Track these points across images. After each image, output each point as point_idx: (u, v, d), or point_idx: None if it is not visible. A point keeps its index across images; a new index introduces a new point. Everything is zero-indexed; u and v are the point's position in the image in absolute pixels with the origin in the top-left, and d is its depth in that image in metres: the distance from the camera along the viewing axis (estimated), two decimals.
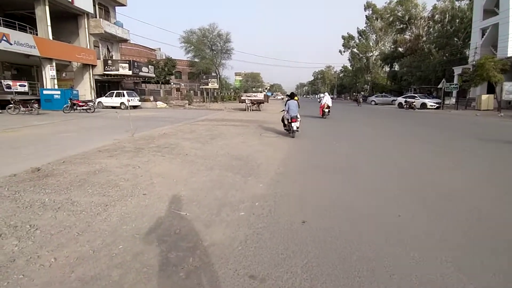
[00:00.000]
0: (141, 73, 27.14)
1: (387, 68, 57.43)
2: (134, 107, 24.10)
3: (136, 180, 4.82)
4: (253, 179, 5.12)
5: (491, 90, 26.97)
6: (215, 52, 57.10)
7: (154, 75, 30.78)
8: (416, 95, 29.12)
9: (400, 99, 29.89)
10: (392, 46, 53.23)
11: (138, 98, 24.43)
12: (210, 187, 4.64)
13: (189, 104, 34.79)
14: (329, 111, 17.71)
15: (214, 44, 56.61)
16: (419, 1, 45.76)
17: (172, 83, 43.67)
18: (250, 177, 5.23)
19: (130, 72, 25.62)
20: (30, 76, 25.71)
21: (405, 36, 48.50)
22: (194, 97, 48.45)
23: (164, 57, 50.51)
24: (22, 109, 17.15)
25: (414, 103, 26.48)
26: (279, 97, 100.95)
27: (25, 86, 20.35)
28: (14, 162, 5.84)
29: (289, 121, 9.92)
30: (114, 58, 28.44)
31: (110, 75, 26.22)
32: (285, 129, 10.68)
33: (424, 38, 44.51)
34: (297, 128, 9.92)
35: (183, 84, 51.07)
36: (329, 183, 4.97)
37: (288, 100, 10.36)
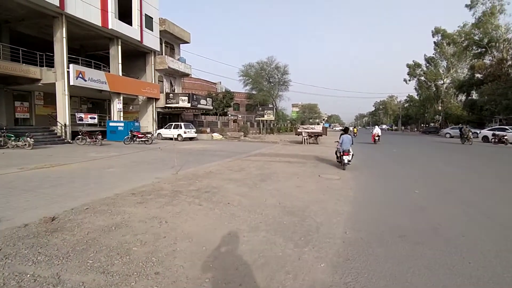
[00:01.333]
0: (199, 105, 27.83)
1: (462, 97, 51.43)
2: (191, 138, 24.40)
3: (156, 245, 3.67)
4: (311, 252, 3.61)
5: None
6: (272, 84, 57.75)
7: (211, 107, 31.45)
8: (507, 127, 24.55)
9: (486, 132, 25.51)
10: (468, 73, 47.73)
11: (195, 130, 24.74)
12: (249, 264, 3.26)
13: (244, 136, 34.63)
14: (379, 139, 23.22)
15: (272, 76, 57.42)
16: (501, 22, 40.77)
17: (229, 115, 44.61)
18: (307, 248, 3.73)
19: (189, 105, 26.38)
20: (103, 109, 28.14)
21: (484, 61, 43.16)
22: (250, 128, 48.86)
23: (224, 90, 52.51)
24: (88, 140, 18.16)
25: (506, 137, 22.18)
26: (337, 128, 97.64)
27: (95, 118, 21.92)
28: (42, 204, 5.23)
29: (341, 154, 10.26)
30: (176, 91, 29.82)
31: (171, 107, 27.33)
32: (337, 161, 11.04)
33: (510, 62, 38.95)
34: (349, 161, 10.23)
35: (240, 116, 51.99)
36: (427, 265, 3.23)
37: (342, 134, 10.71)
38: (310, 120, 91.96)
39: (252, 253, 3.54)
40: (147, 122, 27.50)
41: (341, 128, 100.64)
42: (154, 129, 26.73)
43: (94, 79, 21.09)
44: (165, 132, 24.70)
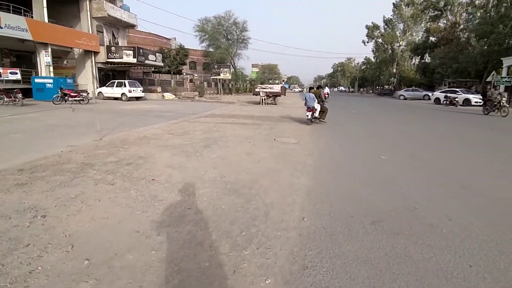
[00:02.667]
0: (147, 61, 24.75)
1: (416, 60, 52.90)
2: (137, 98, 21.83)
3: (4, 262, 2.26)
4: (254, 257, 2.46)
5: None
6: (230, 41, 54.36)
7: (162, 64, 28.39)
8: (458, 89, 25.30)
9: (438, 94, 26.15)
10: (424, 36, 48.62)
11: (141, 88, 22.08)
12: None
13: (200, 96, 32.37)
14: (328, 96, 27.90)
15: (230, 33, 53.86)
16: None
17: (184, 74, 41.37)
18: (249, 249, 2.58)
19: (134, 60, 23.29)
20: (31, 64, 23.94)
21: (439, 24, 43.93)
22: (207, 88, 46.15)
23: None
24: (5, 99, 15.12)
25: (456, 99, 22.83)
26: (296, 90, 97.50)
27: (17, 74, 18.40)
28: None
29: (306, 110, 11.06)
30: (120, 45, 26.20)
31: (114, 63, 23.99)
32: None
33: (462, 26, 39.97)
34: (314, 117, 11.11)
35: (196, 75, 48.75)
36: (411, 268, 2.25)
37: (306, 93, 11.60)
38: (270, 81, 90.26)
39: (163, 266, 2.30)
40: (86, 79, 24.09)
41: (300, 89, 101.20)
42: (95, 87, 23.55)
43: (12, 26, 17.33)
44: (106, 91, 21.75)
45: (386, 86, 62.56)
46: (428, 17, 46.88)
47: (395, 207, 3.55)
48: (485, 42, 33.07)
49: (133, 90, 20.82)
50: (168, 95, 26.66)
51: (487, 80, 25.40)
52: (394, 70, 58.30)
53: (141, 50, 23.93)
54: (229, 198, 3.70)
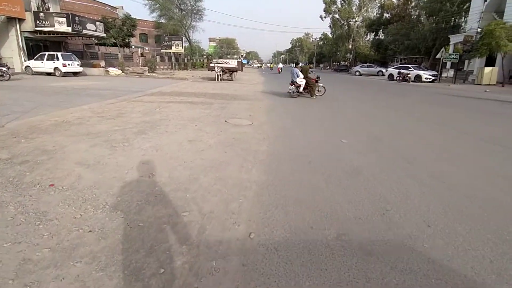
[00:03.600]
0: (85, 31, 21.73)
1: (371, 36, 53.95)
2: (75, 73, 19.21)
3: None
4: None
5: (489, 62, 24.46)
6: (184, 12, 50.62)
7: (104, 35, 25.27)
8: (409, 66, 25.98)
9: (392, 70, 26.68)
10: (379, 12, 49.36)
11: (79, 62, 19.39)
12: None
13: (151, 72, 29.82)
14: (282, 70, 33.80)
15: (183, 3, 50.03)
16: None
17: (133, 47, 37.79)
18: None
19: (69, 29, 20.26)
20: None
21: (393, 0, 44.68)
22: (160, 63, 42.97)
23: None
24: None
25: (409, 75, 23.41)
26: (255, 65, 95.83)
27: None
28: None
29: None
30: (51, 11, 22.67)
31: (44, 32, 20.73)
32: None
33: (413, 3, 40.98)
34: (298, 92, 11.62)
35: (147, 49, 45.04)
36: None
37: (293, 68, 11.94)
38: (228, 56, 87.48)
39: None
40: (11, 51, 20.68)
41: (259, 65, 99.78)
42: (22, 61, 20.33)
43: None
44: (36, 65, 18.75)
45: (343, 62, 63.59)
46: None
47: (363, 211, 2.88)
48: (434, 20, 34.24)
49: (69, 64, 18.17)
50: (113, 70, 24.01)
51: (436, 57, 26.34)
52: (350, 46, 59.13)
53: (76, 17, 20.86)
54: (153, 209, 2.76)
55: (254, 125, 6.64)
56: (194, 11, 50.95)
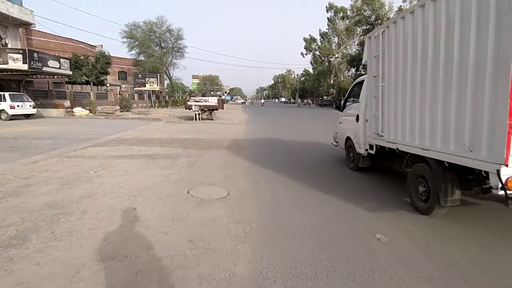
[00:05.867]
0: (45, 69, 19.43)
1: (353, 71, 54.53)
2: (27, 116, 16.60)
3: None
4: None
5: None
6: (165, 50, 49.86)
7: (70, 72, 22.99)
8: None
9: None
10: (358, 49, 50.21)
11: (32, 103, 16.87)
12: None
13: (125, 111, 27.55)
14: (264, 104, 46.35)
15: (164, 40, 49.45)
16: (386, 1, 42.99)
17: (107, 85, 35.68)
18: None
19: (25, 66, 17.94)
20: None
21: None
22: (138, 101, 40.85)
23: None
24: None
25: None
26: (239, 101, 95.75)
27: None
28: None
29: None
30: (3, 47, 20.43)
31: None
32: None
33: None
34: None
35: (124, 86, 43.05)
36: None
37: None
38: (211, 93, 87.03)
39: None
40: None
41: (242, 101, 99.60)
42: None
43: None
44: None
45: (325, 97, 63.71)
46: (361, 30, 48.50)
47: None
48: None
49: (18, 106, 15.63)
50: (79, 111, 21.57)
51: None
52: (332, 81, 59.57)
53: (35, 54, 18.65)
54: None
55: (230, 199, 4.31)
56: (175, 49, 50.37)
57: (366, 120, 5.45)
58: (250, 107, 51.43)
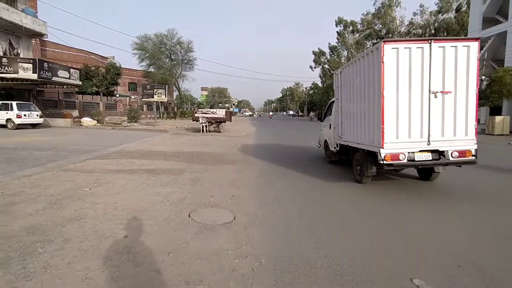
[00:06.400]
0: (55, 78, 19.47)
1: None
2: (34, 125, 16.48)
3: None
4: None
5: (493, 110, 23.01)
6: (174, 62, 50.29)
7: (79, 83, 23.07)
8: None
9: None
10: None
11: (39, 113, 16.78)
12: None
13: (133, 122, 27.44)
14: (272, 116, 49.64)
15: (174, 53, 49.90)
16: (397, 15, 42.79)
17: (117, 95, 35.89)
18: None
19: (35, 76, 17.97)
20: None
21: None
22: (147, 112, 41.02)
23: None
24: None
25: None
26: (247, 113, 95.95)
27: None
28: None
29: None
30: (15, 56, 20.60)
31: (5, 78, 18.34)
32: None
33: None
34: None
35: (133, 97, 43.29)
36: None
37: None
38: (220, 104, 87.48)
39: None
40: None
41: (250, 113, 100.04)
42: None
43: None
44: None
45: None
46: (371, 43, 48.24)
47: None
48: None
49: (25, 115, 15.53)
50: (86, 121, 21.49)
51: None
52: None
53: (45, 64, 18.72)
54: None
55: (237, 224, 3.78)
56: (185, 61, 50.78)
57: (334, 127, 7.72)
58: (258, 120, 51.31)
